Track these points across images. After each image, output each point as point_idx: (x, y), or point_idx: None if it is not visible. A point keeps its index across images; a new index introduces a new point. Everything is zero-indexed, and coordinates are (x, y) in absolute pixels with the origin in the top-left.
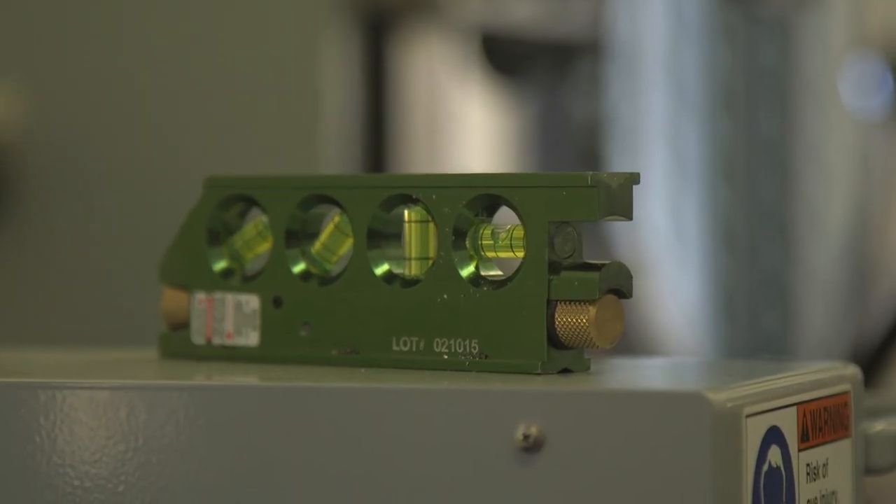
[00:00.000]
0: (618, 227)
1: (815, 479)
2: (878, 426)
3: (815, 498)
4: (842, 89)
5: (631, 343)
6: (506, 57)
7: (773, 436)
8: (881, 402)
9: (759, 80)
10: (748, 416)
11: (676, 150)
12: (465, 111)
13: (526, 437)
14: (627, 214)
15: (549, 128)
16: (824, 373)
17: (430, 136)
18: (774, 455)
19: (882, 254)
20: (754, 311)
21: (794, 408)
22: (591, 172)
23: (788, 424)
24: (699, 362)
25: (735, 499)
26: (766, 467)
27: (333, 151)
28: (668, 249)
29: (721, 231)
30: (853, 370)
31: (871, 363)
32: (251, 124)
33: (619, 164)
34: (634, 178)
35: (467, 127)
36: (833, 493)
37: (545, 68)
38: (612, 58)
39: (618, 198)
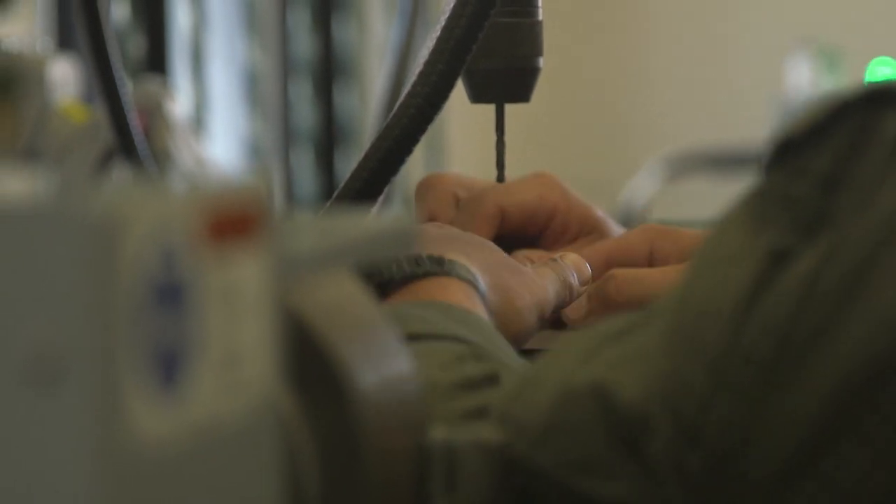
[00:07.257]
0: None
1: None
2: None
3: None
4: None
5: None
6: None
7: (165, 243)
8: None
9: None
10: (125, 228)
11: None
12: None
13: None
14: None
15: None
16: (230, 182)
17: None
18: (166, 263)
19: None
20: None
21: (190, 212)
22: None
23: (181, 229)
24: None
25: (118, 309)
26: (156, 275)
27: None
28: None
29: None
30: (264, 178)
31: None
32: None
33: None
34: None
35: None
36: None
37: None
38: None
39: None
